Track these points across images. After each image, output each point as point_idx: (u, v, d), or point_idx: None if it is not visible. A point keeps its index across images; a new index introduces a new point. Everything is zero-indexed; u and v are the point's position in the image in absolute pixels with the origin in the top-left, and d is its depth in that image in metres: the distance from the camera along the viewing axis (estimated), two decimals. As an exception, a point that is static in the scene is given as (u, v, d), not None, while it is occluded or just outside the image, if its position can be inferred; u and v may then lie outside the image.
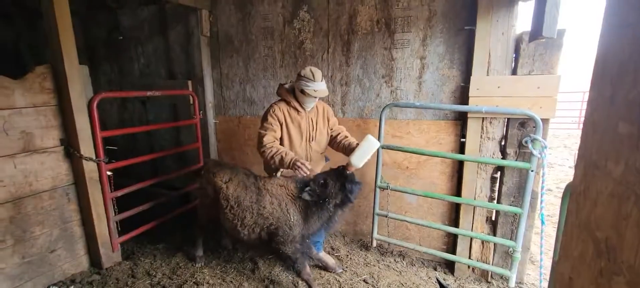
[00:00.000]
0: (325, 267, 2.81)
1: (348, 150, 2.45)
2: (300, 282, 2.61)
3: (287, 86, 2.49)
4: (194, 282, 2.64)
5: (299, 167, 2.23)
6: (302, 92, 2.33)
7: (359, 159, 2.30)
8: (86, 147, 2.56)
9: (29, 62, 4.67)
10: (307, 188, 2.32)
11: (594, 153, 1.05)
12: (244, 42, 3.42)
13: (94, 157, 2.60)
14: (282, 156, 2.29)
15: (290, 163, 2.26)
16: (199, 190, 2.80)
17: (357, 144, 2.36)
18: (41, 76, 2.39)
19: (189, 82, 3.67)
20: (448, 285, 1.69)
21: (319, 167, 2.66)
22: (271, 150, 2.33)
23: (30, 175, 2.36)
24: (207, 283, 2.65)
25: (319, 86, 2.31)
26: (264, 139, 2.36)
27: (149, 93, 3.10)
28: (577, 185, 1.16)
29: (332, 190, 2.31)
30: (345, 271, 2.84)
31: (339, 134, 2.62)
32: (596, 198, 1.02)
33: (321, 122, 2.55)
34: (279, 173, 2.55)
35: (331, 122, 2.63)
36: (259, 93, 3.49)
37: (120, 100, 4.45)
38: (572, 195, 1.23)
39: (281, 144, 2.47)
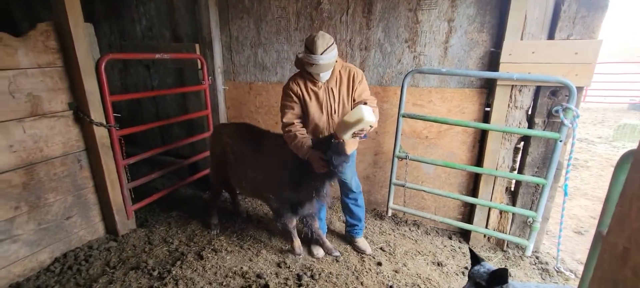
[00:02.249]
0: (322, 246, 2.65)
1: None
2: (315, 248, 2.62)
3: (301, 55, 2.22)
4: (212, 249, 2.63)
5: (316, 167, 2.06)
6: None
7: (341, 129, 1.98)
8: (96, 112, 2.44)
9: (22, 21, 4.43)
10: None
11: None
12: (255, 1, 3.20)
13: (104, 123, 2.49)
14: (297, 146, 2.11)
15: (304, 156, 2.11)
16: (210, 154, 2.81)
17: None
18: (44, 34, 2.22)
19: (196, 46, 3.48)
20: (479, 255, 1.67)
21: (351, 146, 2.33)
22: (289, 136, 2.15)
23: (40, 141, 2.26)
24: (226, 250, 2.64)
25: (315, 60, 1.94)
26: (283, 120, 2.19)
27: (157, 55, 2.94)
28: (643, 153, 1.09)
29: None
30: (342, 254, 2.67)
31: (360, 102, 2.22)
32: (671, 167, 0.95)
33: (345, 91, 2.20)
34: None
35: (358, 89, 2.21)
36: (272, 58, 3.32)
37: (123, 65, 4.25)
38: (635, 164, 1.16)
39: (303, 120, 2.25)
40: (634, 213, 1.15)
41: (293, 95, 2.18)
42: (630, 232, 1.17)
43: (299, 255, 2.58)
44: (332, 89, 2.19)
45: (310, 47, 1.95)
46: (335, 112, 2.22)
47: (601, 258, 1.42)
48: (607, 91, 11.04)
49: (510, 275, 1.46)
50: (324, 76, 2.12)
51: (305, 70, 2.15)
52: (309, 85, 2.18)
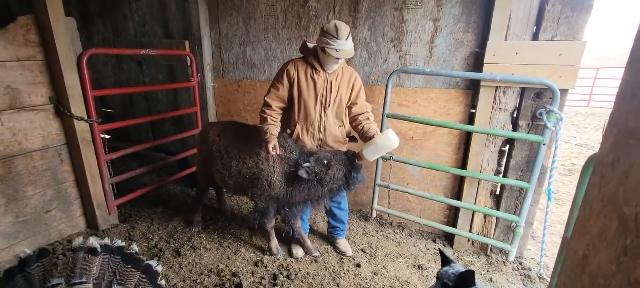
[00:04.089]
0: (302, 245, 2.63)
1: (365, 137, 2.22)
2: (295, 248, 2.60)
3: (311, 45, 2.24)
4: (191, 246, 2.62)
5: (266, 149, 2.18)
6: (323, 50, 2.03)
7: (373, 154, 2.14)
8: (77, 106, 2.44)
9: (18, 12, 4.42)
10: (306, 165, 2.14)
11: (631, 120, 0.93)
12: (243, -1, 3.20)
13: (85, 117, 2.49)
14: (263, 129, 2.18)
15: (264, 139, 2.18)
16: (197, 152, 2.77)
17: (374, 135, 2.16)
18: (25, 27, 2.23)
19: (186, 42, 3.48)
20: (450, 255, 1.65)
21: (337, 143, 2.36)
22: (262, 117, 2.21)
23: (18, 133, 2.27)
24: (204, 247, 2.63)
25: (342, 45, 1.98)
26: (265, 97, 2.24)
27: (142, 51, 2.93)
28: (604, 156, 1.05)
29: (334, 174, 2.17)
30: (320, 255, 2.63)
31: (361, 114, 2.27)
32: (628, 170, 0.91)
33: (344, 89, 2.21)
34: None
35: (356, 94, 2.26)
36: (260, 55, 3.31)
37: (116, 61, 4.27)
38: (596, 167, 1.12)
39: (292, 104, 2.25)
40: (594, 218, 1.11)
41: (286, 76, 2.19)
42: (590, 238, 1.13)
43: (276, 255, 2.56)
44: (331, 82, 2.20)
45: (334, 32, 1.98)
46: (329, 105, 2.22)
47: (565, 264, 1.38)
48: (613, 96, 10.84)
49: (478, 278, 1.42)
50: (337, 65, 2.14)
51: (314, 57, 2.16)
52: (310, 71, 2.18)
